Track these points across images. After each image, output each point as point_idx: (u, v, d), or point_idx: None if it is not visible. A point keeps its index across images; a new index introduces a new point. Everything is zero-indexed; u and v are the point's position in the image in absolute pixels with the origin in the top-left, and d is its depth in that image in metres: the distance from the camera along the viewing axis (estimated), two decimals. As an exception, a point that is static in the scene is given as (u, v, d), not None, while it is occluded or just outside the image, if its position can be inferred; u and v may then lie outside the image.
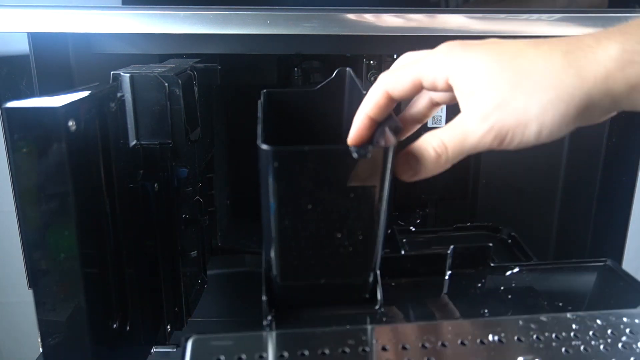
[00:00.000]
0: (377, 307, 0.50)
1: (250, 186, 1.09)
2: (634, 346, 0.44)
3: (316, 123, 0.58)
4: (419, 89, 0.43)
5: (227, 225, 0.99)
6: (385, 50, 0.88)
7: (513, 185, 0.87)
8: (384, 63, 0.92)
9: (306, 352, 0.43)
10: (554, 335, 0.45)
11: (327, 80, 0.57)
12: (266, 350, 0.43)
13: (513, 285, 0.58)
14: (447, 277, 0.58)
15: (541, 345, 0.44)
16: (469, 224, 0.78)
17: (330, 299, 0.50)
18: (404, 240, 0.71)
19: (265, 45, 0.76)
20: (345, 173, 0.42)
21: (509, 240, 0.74)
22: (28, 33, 0.69)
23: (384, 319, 0.49)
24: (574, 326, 0.46)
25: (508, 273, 0.60)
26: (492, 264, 0.60)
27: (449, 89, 0.41)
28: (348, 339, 0.44)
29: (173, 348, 0.83)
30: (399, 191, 0.99)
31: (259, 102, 0.54)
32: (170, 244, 0.59)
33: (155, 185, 0.55)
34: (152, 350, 0.81)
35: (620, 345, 0.44)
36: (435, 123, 0.90)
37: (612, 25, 0.38)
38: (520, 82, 0.38)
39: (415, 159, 0.41)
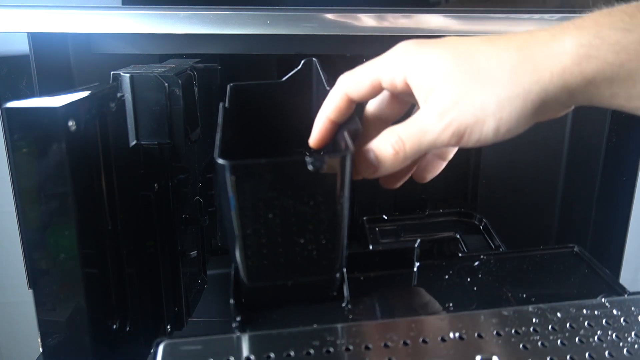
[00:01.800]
0: (344, 304, 0.50)
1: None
2: (591, 339, 0.45)
3: (285, 115, 0.58)
4: (378, 90, 0.43)
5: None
6: (385, 50, 0.87)
7: (513, 185, 0.87)
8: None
9: (272, 355, 0.43)
10: (513, 331, 0.45)
11: (294, 71, 0.57)
12: (233, 354, 0.44)
13: (480, 275, 0.58)
14: (415, 270, 0.58)
15: (500, 342, 0.44)
16: (441, 210, 0.78)
17: (298, 298, 0.50)
18: (377, 228, 0.70)
19: (265, 45, 0.76)
20: (303, 182, 0.42)
21: (481, 226, 0.74)
22: (28, 33, 0.69)
23: (351, 316, 0.49)
24: (534, 320, 0.47)
25: (476, 263, 0.60)
26: (460, 254, 0.60)
27: (408, 88, 0.40)
28: (313, 340, 0.45)
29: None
30: (399, 191, 0.99)
31: (220, 105, 0.53)
32: (170, 244, 0.59)
33: (155, 185, 0.55)
34: (152, 350, 0.81)
35: (577, 339, 0.45)
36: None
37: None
38: (477, 77, 0.37)
39: (375, 157, 0.41)
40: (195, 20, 0.66)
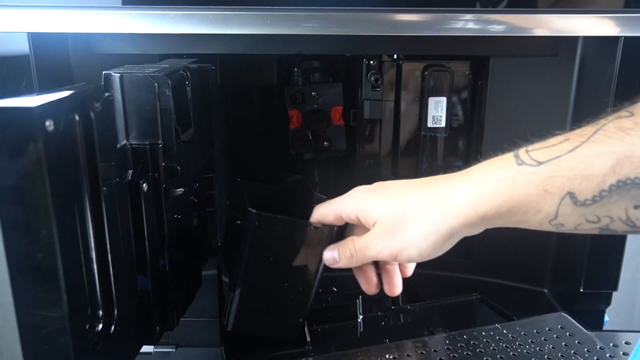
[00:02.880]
0: (306, 346, 0.69)
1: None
2: (489, 350, 0.67)
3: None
4: (340, 220, 0.60)
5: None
6: (385, 50, 0.87)
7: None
8: (384, 63, 0.92)
9: None
10: (432, 349, 0.68)
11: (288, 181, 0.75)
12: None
13: (408, 320, 0.79)
14: (359, 320, 0.77)
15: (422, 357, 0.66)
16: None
17: (272, 332, 0.68)
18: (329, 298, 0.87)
19: (265, 45, 0.77)
20: (302, 239, 0.61)
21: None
22: (28, 33, 0.69)
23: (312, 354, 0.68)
24: (446, 342, 0.69)
25: (403, 313, 0.80)
26: (392, 307, 0.80)
27: (359, 220, 0.58)
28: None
29: (173, 348, 0.83)
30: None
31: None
32: (160, 245, 0.59)
33: (145, 185, 0.55)
34: (152, 351, 0.82)
35: (478, 350, 0.68)
36: (435, 123, 0.89)
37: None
38: (403, 218, 0.54)
39: (337, 252, 0.60)
40: (195, 20, 0.66)
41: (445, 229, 0.51)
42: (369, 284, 0.64)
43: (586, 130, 0.47)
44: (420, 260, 0.55)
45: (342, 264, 0.60)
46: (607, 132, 0.45)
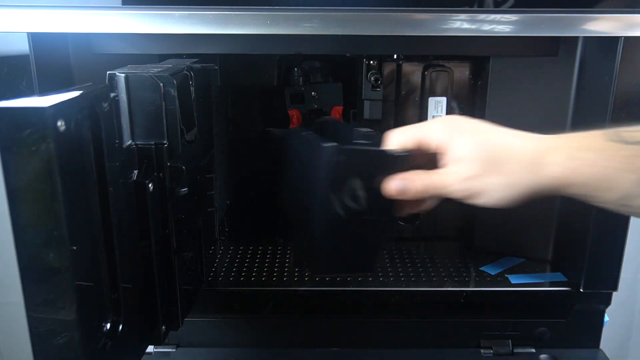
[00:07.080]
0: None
1: (249, 186, 1.10)
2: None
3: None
4: (420, 147, 0.57)
5: (227, 225, 0.99)
6: (385, 50, 0.87)
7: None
8: (384, 63, 0.92)
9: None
10: None
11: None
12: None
13: None
14: None
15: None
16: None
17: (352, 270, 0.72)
18: None
19: (265, 45, 0.77)
20: (384, 170, 0.57)
21: None
22: (28, 33, 0.69)
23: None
24: None
25: None
26: None
27: (437, 149, 0.56)
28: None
29: (173, 348, 0.83)
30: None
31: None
32: (165, 245, 0.59)
33: (150, 185, 0.55)
34: (152, 351, 0.82)
35: None
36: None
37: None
38: (495, 165, 0.53)
39: (405, 183, 0.56)
40: (195, 20, 0.66)
41: (532, 186, 0.53)
42: (407, 210, 0.61)
43: None
44: (494, 206, 0.55)
45: (409, 196, 0.57)
46: None
